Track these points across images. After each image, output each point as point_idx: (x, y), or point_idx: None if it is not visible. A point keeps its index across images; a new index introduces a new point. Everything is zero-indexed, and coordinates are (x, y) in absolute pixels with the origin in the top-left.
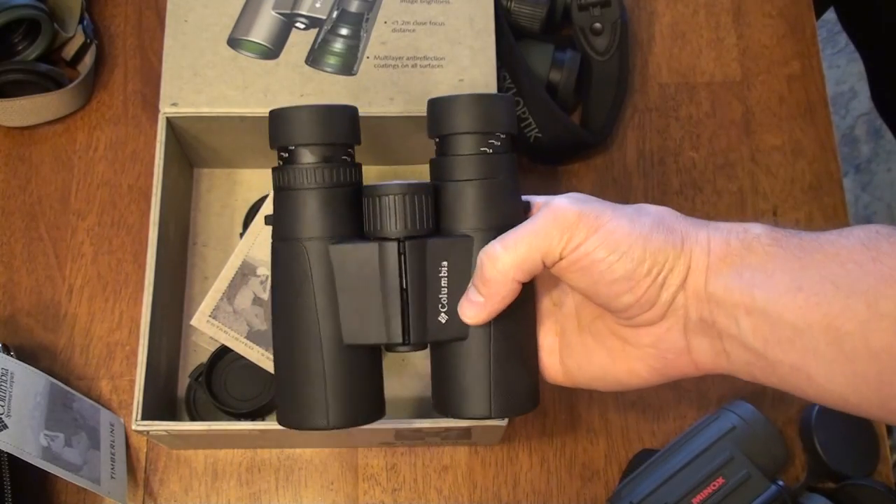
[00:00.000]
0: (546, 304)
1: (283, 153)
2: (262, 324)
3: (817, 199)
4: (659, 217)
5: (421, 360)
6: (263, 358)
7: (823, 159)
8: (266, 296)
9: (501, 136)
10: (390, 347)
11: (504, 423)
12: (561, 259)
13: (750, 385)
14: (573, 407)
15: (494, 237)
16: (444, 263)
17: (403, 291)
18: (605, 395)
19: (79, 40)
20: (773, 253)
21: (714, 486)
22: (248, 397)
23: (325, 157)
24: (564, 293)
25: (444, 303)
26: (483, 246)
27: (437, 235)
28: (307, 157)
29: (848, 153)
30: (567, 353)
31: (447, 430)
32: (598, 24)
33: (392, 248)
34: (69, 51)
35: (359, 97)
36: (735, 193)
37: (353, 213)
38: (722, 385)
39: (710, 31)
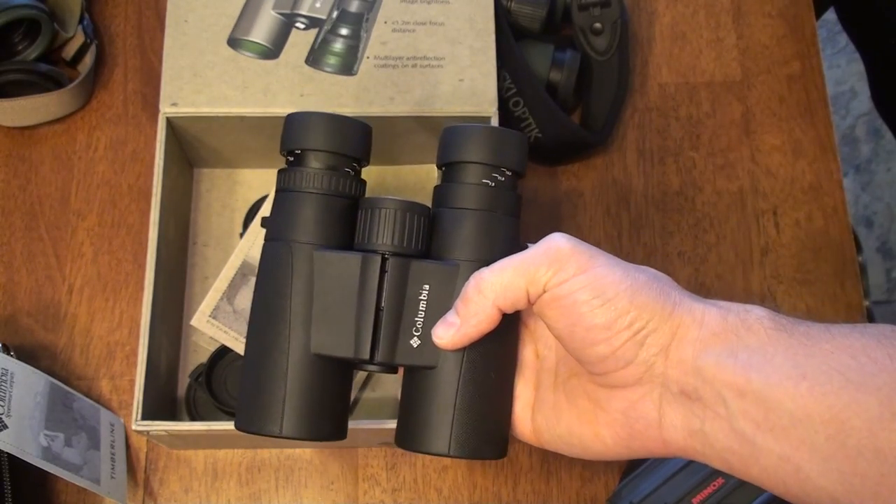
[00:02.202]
0: (529, 356)
1: (290, 156)
2: None
3: (817, 199)
4: (655, 277)
5: None
6: None
7: (823, 159)
8: None
9: (507, 172)
10: (358, 365)
11: None
12: (544, 292)
13: None
14: None
15: None
16: (426, 287)
17: (379, 308)
18: None
19: (79, 40)
20: (775, 337)
21: (714, 486)
22: None
23: (329, 165)
24: (548, 347)
25: (419, 327)
26: (468, 278)
27: (425, 259)
28: (311, 161)
29: (848, 153)
30: (538, 408)
31: None
32: (598, 24)
33: (376, 261)
34: (69, 51)
35: (359, 97)
36: (735, 193)
37: (347, 225)
38: None
39: (710, 31)
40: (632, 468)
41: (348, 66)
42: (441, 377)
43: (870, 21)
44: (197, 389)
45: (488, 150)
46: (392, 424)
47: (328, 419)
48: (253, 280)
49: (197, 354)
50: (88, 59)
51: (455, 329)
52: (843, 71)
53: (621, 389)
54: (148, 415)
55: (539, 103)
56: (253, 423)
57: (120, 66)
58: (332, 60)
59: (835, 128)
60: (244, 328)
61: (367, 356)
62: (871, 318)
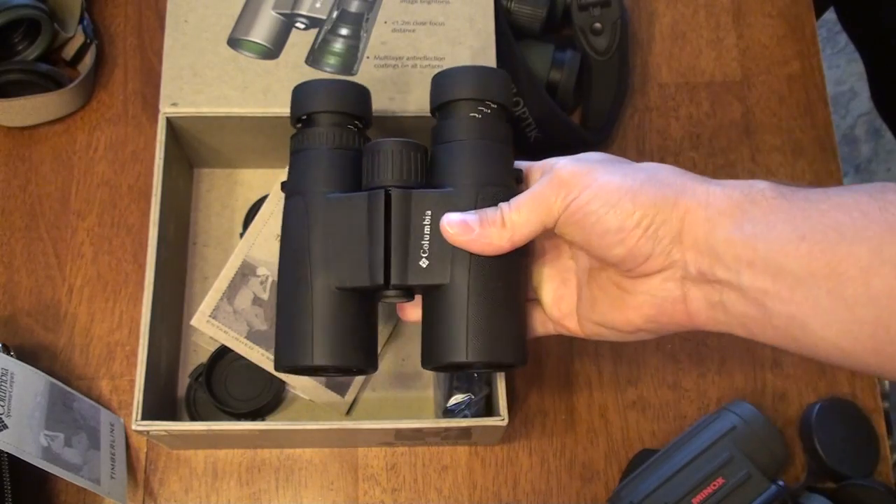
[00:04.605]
0: (566, 262)
1: (299, 123)
2: (262, 324)
3: None
4: (653, 173)
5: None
6: (263, 358)
7: (823, 159)
8: (266, 296)
9: (493, 105)
10: (378, 296)
11: (504, 423)
12: (559, 217)
13: (750, 385)
14: (573, 407)
15: (478, 193)
16: (429, 212)
17: (388, 237)
18: (605, 395)
19: (79, 40)
20: (776, 205)
21: (714, 486)
22: (248, 397)
23: (334, 122)
24: (578, 251)
25: (426, 249)
26: (466, 200)
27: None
28: (318, 121)
29: (848, 153)
30: (579, 303)
31: (447, 430)
32: (598, 24)
33: (380, 195)
34: (69, 51)
35: None
36: None
37: (354, 172)
38: (722, 385)
39: (710, 31)
40: (632, 468)
41: (348, 66)
42: (452, 292)
43: (870, 21)
44: (197, 389)
45: (473, 86)
46: (392, 424)
47: (356, 348)
48: (253, 280)
49: (197, 354)
50: (88, 59)
51: (469, 236)
52: (843, 71)
53: (646, 278)
54: (148, 415)
55: (539, 103)
56: (287, 359)
57: (120, 66)
58: (332, 60)
59: (835, 128)
60: (244, 328)
61: (381, 281)
62: None
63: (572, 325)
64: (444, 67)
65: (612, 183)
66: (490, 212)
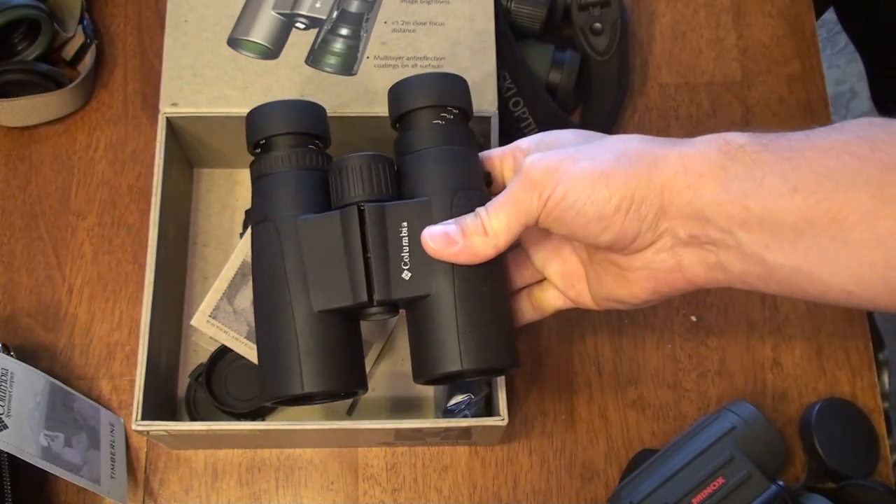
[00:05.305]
0: (566, 248)
1: (256, 149)
2: None
3: None
4: (622, 150)
5: None
6: None
7: None
8: None
9: (454, 110)
10: (362, 314)
11: (504, 423)
12: (540, 216)
13: (750, 385)
14: (573, 407)
15: (452, 199)
16: (405, 224)
17: (366, 253)
18: (605, 395)
19: (79, 40)
20: (760, 158)
21: (714, 486)
22: (248, 397)
23: (294, 144)
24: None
25: (406, 261)
26: (442, 207)
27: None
28: (277, 145)
29: None
30: (589, 282)
31: (447, 430)
32: (598, 24)
33: (353, 212)
34: (69, 51)
35: (359, 97)
36: None
37: (321, 192)
38: (722, 385)
39: (710, 31)
40: (632, 468)
41: (348, 66)
42: (438, 301)
43: (870, 21)
44: (197, 389)
45: (432, 93)
46: (392, 424)
47: (346, 371)
48: None
49: (197, 354)
50: (88, 59)
51: (453, 249)
52: (843, 71)
53: (639, 253)
54: (148, 415)
55: (539, 103)
56: (276, 389)
57: (120, 66)
58: (332, 60)
59: None
60: (244, 328)
61: (365, 299)
62: (870, 315)
63: (587, 302)
64: (444, 68)
65: (584, 172)
66: (470, 220)
